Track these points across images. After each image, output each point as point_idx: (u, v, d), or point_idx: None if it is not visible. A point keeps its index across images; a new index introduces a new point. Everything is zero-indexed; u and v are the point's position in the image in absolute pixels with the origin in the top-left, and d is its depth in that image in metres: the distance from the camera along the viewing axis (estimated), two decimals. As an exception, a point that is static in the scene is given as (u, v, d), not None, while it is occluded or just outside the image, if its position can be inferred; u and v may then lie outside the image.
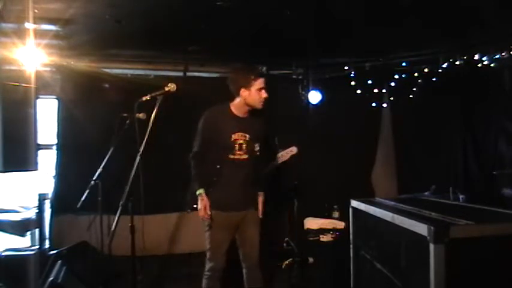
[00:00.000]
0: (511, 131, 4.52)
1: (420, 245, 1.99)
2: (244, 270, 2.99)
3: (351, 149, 5.18)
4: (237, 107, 2.83)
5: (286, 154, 3.67)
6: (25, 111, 3.28)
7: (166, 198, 4.71)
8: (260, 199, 3.01)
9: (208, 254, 2.88)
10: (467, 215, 2.20)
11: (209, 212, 2.78)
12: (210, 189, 2.82)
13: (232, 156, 2.80)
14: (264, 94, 2.77)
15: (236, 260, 3.01)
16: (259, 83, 2.76)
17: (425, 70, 4.98)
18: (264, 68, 5.52)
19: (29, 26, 3.35)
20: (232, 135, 2.79)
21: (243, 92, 2.76)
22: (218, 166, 2.80)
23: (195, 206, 3.95)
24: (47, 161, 4.65)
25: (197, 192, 2.82)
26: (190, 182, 4.63)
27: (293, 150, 3.68)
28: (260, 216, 3.00)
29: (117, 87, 4.63)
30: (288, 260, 4.22)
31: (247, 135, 2.82)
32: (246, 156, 2.82)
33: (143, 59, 4.95)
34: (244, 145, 2.81)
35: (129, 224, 2.63)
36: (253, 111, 2.87)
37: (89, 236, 4.16)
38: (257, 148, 2.86)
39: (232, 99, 2.85)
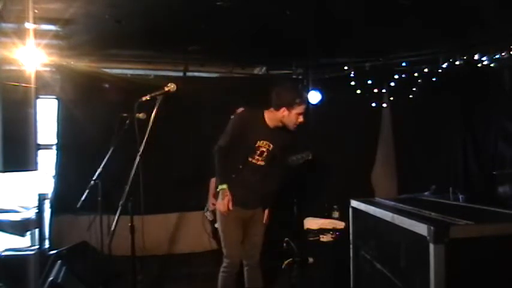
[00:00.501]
0: (511, 131, 4.51)
1: (420, 245, 1.99)
2: (245, 269, 3.05)
3: (351, 149, 5.18)
4: (270, 118, 2.97)
5: (301, 158, 3.67)
6: (25, 111, 3.28)
7: (166, 198, 4.72)
8: (266, 212, 3.15)
9: (225, 251, 2.98)
10: (467, 215, 2.20)
11: (231, 207, 2.88)
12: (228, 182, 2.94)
13: (250, 159, 2.95)
14: (300, 119, 2.91)
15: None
16: (301, 108, 2.89)
17: (425, 70, 4.98)
18: (264, 68, 5.53)
19: (29, 26, 3.35)
20: (258, 142, 2.94)
21: (284, 111, 2.89)
22: (240, 166, 2.94)
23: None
24: (47, 161, 4.65)
25: (220, 187, 2.91)
26: (190, 183, 4.63)
27: (309, 155, 3.68)
28: (264, 221, 3.13)
29: (117, 87, 4.63)
30: (288, 260, 4.22)
31: (271, 145, 2.96)
32: (262, 163, 2.97)
33: (143, 59, 4.95)
34: (265, 153, 2.96)
35: (129, 224, 2.63)
36: (284, 127, 3.00)
37: (89, 236, 4.16)
38: (276, 159, 3.01)
39: (263, 106, 3.00)
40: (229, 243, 2.97)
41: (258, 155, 2.95)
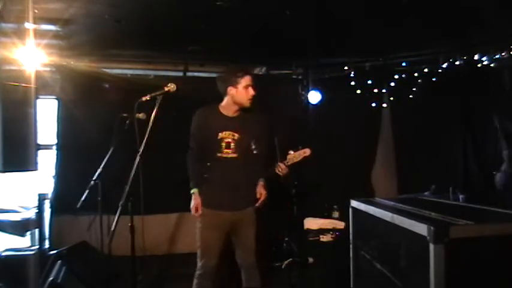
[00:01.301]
0: (511, 131, 4.51)
1: (420, 245, 1.99)
2: (242, 270, 2.99)
3: (351, 149, 5.18)
4: (225, 107, 2.86)
5: (298, 156, 3.62)
6: (25, 111, 3.28)
7: (166, 198, 4.71)
8: (261, 184, 2.92)
9: (198, 253, 2.89)
10: (467, 215, 2.20)
11: (200, 211, 2.83)
12: (202, 186, 2.87)
13: (219, 155, 2.81)
14: (251, 91, 2.78)
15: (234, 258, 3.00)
16: (246, 80, 2.77)
17: (425, 70, 4.98)
18: (264, 68, 5.53)
19: (29, 26, 3.35)
20: (220, 134, 2.81)
21: (231, 91, 2.79)
22: (208, 164, 2.84)
23: None
24: (47, 161, 4.65)
25: (191, 191, 2.88)
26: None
27: (306, 151, 3.62)
28: (258, 204, 2.94)
29: (117, 87, 4.63)
30: (288, 260, 4.22)
31: (236, 134, 2.82)
32: (235, 155, 2.81)
33: (143, 59, 4.95)
34: (232, 144, 2.81)
35: (129, 224, 2.63)
36: (246, 110, 2.87)
37: (89, 236, 4.16)
38: (253, 146, 2.83)
39: (222, 100, 2.90)
40: (202, 246, 2.87)
41: (226, 148, 2.81)
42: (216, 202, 2.83)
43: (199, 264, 2.86)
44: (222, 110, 2.87)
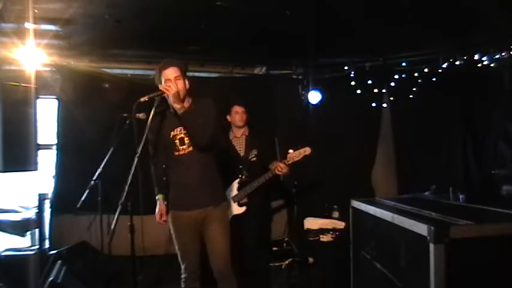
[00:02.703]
0: (511, 131, 4.51)
1: (420, 245, 1.99)
2: (217, 281, 2.79)
3: (351, 149, 5.18)
4: (172, 104, 2.68)
5: (298, 154, 3.60)
6: (25, 111, 3.29)
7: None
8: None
9: (178, 256, 2.82)
10: (467, 215, 2.20)
11: (164, 218, 2.80)
12: (166, 190, 2.80)
13: (176, 153, 2.73)
14: (172, 86, 2.58)
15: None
16: (165, 75, 2.66)
17: (425, 70, 4.98)
18: (264, 68, 5.53)
19: (29, 26, 3.35)
20: (171, 133, 2.74)
21: (160, 87, 2.64)
22: (164, 166, 2.77)
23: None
24: (47, 161, 4.65)
25: (156, 198, 2.85)
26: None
27: (306, 150, 3.60)
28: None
29: (117, 87, 4.62)
30: (288, 260, 4.22)
31: (183, 130, 2.72)
32: (191, 149, 2.71)
33: (143, 59, 4.94)
34: (185, 138, 2.71)
35: (129, 224, 2.63)
36: (195, 102, 2.76)
37: (89, 236, 4.16)
38: (202, 139, 2.66)
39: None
40: (179, 249, 2.79)
41: (180, 144, 2.71)
42: (179, 203, 2.76)
43: (182, 268, 2.80)
44: (171, 108, 2.72)
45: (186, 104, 2.71)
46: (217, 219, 2.77)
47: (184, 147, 2.72)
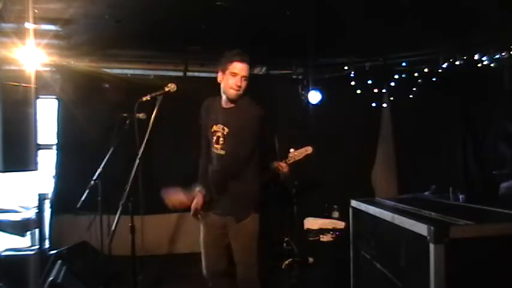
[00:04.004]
0: (511, 131, 4.51)
1: (420, 245, 1.99)
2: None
3: (351, 149, 5.18)
4: (222, 97, 2.58)
5: (300, 154, 3.59)
6: (25, 111, 3.28)
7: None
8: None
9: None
10: (467, 215, 2.20)
11: (197, 213, 2.58)
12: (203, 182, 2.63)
13: (213, 150, 2.57)
14: (237, 81, 2.44)
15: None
16: (233, 66, 2.45)
17: (425, 70, 4.98)
18: (264, 68, 5.53)
19: (29, 26, 3.35)
20: (214, 126, 2.57)
21: (219, 77, 2.52)
22: (205, 158, 2.65)
23: None
24: (47, 161, 4.65)
25: (197, 190, 2.63)
26: (190, 183, 4.60)
27: (308, 149, 3.60)
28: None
29: (117, 87, 4.63)
30: (288, 260, 4.22)
31: (226, 129, 2.52)
32: (223, 152, 2.53)
33: (143, 59, 4.95)
34: (221, 139, 2.53)
35: (129, 224, 2.63)
36: (243, 103, 2.55)
37: (89, 236, 4.16)
38: (238, 146, 2.47)
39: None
40: (202, 248, 2.69)
41: (215, 142, 2.53)
42: (207, 202, 2.59)
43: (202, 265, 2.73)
44: (222, 101, 2.59)
45: (233, 104, 2.57)
46: (238, 234, 2.56)
47: (218, 146, 2.55)
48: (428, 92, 4.98)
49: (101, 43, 4.34)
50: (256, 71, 5.59)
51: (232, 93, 2.49)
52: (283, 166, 3.50)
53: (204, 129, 2.66)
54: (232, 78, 2.47)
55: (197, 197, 2.53)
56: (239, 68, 2.46)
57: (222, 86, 2.55)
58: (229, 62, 2.48)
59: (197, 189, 2.59)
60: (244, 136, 2.48)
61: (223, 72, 2.50)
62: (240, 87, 2.46)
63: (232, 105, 2.55)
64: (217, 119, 2.58)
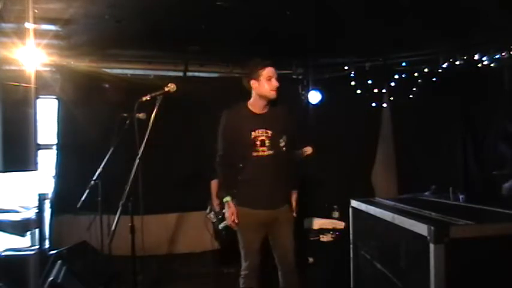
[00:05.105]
0: (511, 131, 4.51)
1: (420, 245, 1.99)
2: (279, 272, 2.87)
3: (351, 149, 5.18)
4: (253, 103, 2.80)
5: (300, 154, 3.59)
6: (25, 111, 3.28)
7: (166, 198, 4.71)
8: (294, 196, 2.90)
9: (242, 253, 2.85)
10: (467, 215, 2.20)
11: (236, 220, 2.74)
12: (235, 190, 2.77)
13: (255, 154, 2.73)
14: (274, 83, 2.71)
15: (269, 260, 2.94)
16: (267, 71, 2.71)
17: (425, 70, 4.98)
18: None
19: (29, 26, 3.35)
20: (252, 133, 2.73)
21: (254, 84, 2.74)
22: (241, 165, 2.75)
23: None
24: (47, 161, 4.65)
25: (224, 200, 2.78)
26: (190, 183, 4.60)
27: (308, 150, 3.61)
28: (294, 214, 2.91)
29: (117, 87, 4.63)
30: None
31: (270, 131, 2.74)
32: (270, 152, 2.73)
33: (143, 59, 4.95)
34: (266, 141, 2.74)
35: (129, 224, 2.63)
36: (273, 106, 2.81)
37: (89, 236, 4.15)
38: (282, 143, 2.75)
39: (249, 98, 2.83)
40: (245, 247, 2.81)
41: (260, 146, 2.73)
42: (252, 201, 2.75)
43: (244, 265, 2.82)
44: (251, 108, 2.80)
45: (266, 108, 2.80)
46: (286, 218, 2.84)
47: (264, 148, 2.73)
48: (428, 92, 4.98)
49: (101, 43, 4.34)
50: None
51: (273, 94, 2.73)
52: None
53: (235, 138, 2.77)
54: (269, 81, 2.71)
55: (230, 208, 2.74)
56: (272, 71, 2.73)
57: (257, 91, 2.75)
58: (261, 68, 2.71)
59: (225, 199, 2.77)
60: (285, 134, 2.78)
61: (257, 79, 2.72)
62: (277, 87, 2.72)
63: (266, 109, 2.79)
64: (256, 125, 2.75)
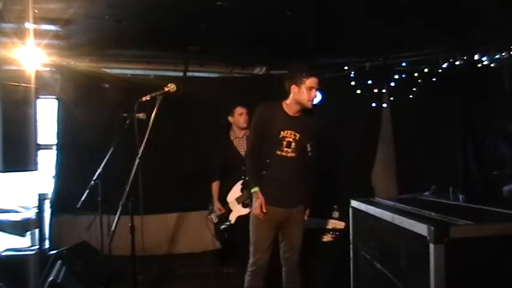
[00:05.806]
0: (511, 131, 4.51)
1: (420, 245, 1.99)
2: (283, 269, 2.98)
3: (351, 148, 5.18)
4: (288, 105, 2.88)
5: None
6: (25, 111, 3.29)
7: (166, 198, 4.71)
8: (308, 199, 3.00)
9: (251, 249, 2.90)
10: (467, 215, 2.20)
11: (265, 210, 2.80)
12: (259, 183, 2.85)
13: (279, 153, 2.82)
14: (313, 93, 2.80)
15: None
16: (310, 81, 2.79)
17: (425, 70, 4.98)
18: (264, 68, 5.53)
19: (29, 26, 3.35)
20: (281, 132, 2.82)
21: (294, 89, 2.81)
22: (268, 161, 2.84)
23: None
24: (47, 161, 4.65)
25: (252, 190, 2.85)
26: (190, 183, 4.60)
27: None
28: (306, 217, 3.02)
29: (117, 87, 4.62)
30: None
31: (298, 134, 2.84)
32: (293, 155, 2.84)
33: (143, 59, 4.95)
34: (292, 143, 2.83)
35: (129, 224, 2.63)
36: (305, 111, 2.89)
37: (89, 236, 4.16)
38: (309, 149, 2.88)
39: (285, 98, 2.91)
40: (256, 242, 2.88)
41: (286, 147, 2.83)
42: (271, 198, 2.82)
43: (251, 260, 2.87)
44: (285, 108, 2.89)
45: (299, 113, 2.91)
46: (298, 218, 2.95)
47: (288, 150, 2.83)
48: (428, 92, 4.98)
49: (101, 43, 4.33)
50: (256, 71, 5.60)
51: (309, 104, 2.84)
52: None
53: (265, 133, 2.85)
54: (310, 91, 2.81)
55: (259, 198, 2.82)
56: (316, 82, 2.84)
57: (295, 97, 2.84)
58: (306, 77, 2.80)
59: (253, 190, 2.85)
60: (311, 141, 2.91)
61: (298, 85, 2.81)
62: (314, 99, 2.85)
63: (299, 114, 2.89)
64: (286, 126, 2.85)
